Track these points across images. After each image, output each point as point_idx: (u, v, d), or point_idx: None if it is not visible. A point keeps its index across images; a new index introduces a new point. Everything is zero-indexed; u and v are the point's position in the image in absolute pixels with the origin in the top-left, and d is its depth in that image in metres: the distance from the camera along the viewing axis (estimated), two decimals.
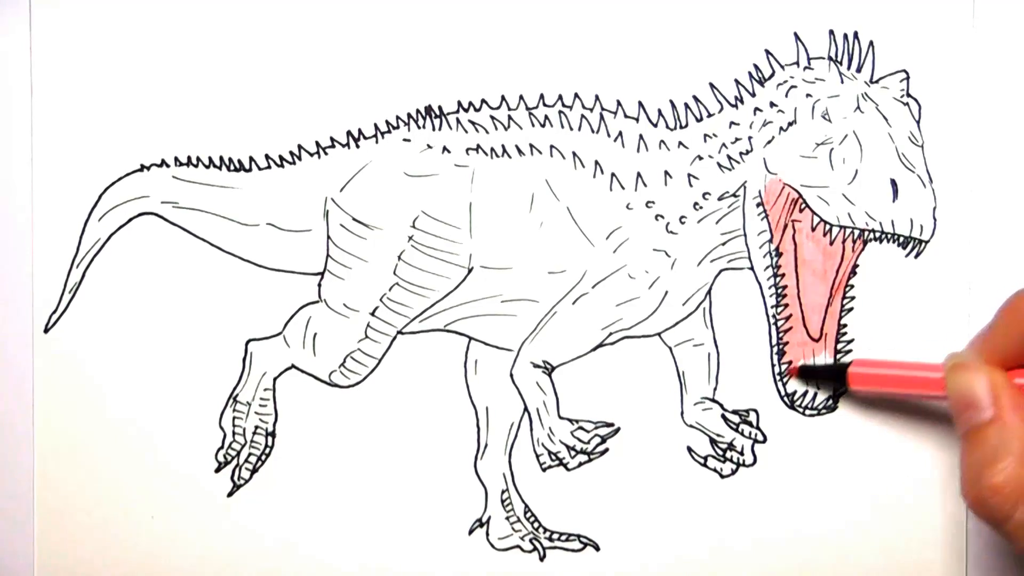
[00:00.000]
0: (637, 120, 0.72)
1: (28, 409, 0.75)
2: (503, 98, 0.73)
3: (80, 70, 0.75)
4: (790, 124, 0.71)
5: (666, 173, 0.72)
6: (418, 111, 0.74)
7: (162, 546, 0.75)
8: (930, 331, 0.71)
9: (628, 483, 0.73)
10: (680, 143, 0.72)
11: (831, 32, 0.72)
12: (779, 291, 0.72)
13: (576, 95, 0.73)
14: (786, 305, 0.72)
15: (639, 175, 0.72)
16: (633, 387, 0.73)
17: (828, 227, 0.71)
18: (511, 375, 0.74)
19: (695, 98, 0.72)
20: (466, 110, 0.73)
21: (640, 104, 0.73)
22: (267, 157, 0.74)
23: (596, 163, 0.72)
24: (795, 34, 0.72)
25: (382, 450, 0.74)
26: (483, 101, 0.73)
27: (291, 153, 0.74)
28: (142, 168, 0.75)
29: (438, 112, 0.73)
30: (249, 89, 0.74)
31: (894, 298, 0.72)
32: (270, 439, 0.74)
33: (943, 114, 0.72)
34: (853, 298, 0.72)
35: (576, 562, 0.73)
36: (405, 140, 0.74)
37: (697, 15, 0.72)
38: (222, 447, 0.75)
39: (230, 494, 0.75)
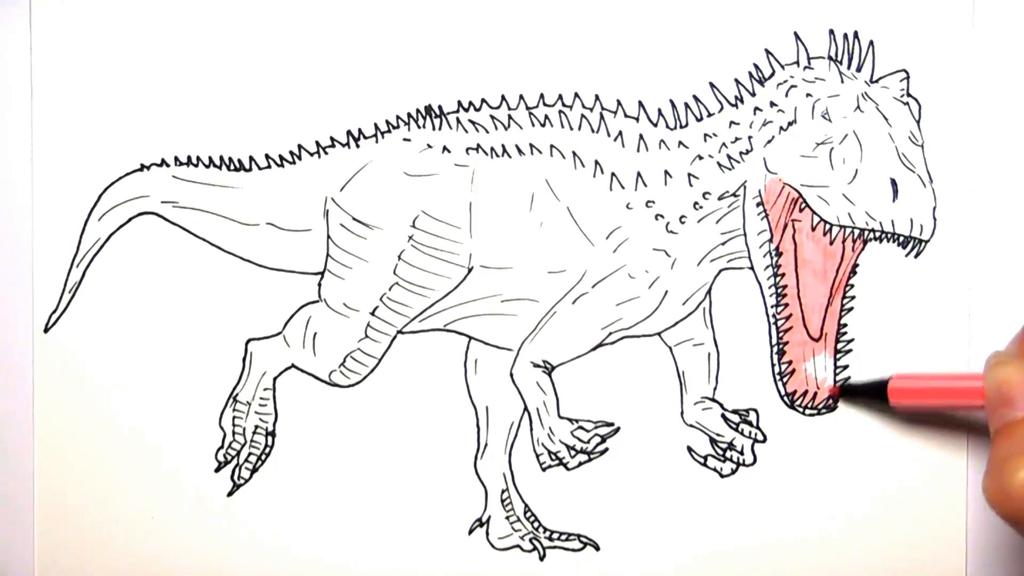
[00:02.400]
0: (637, 120, 0.73)
1: (28, 409, 0.75)
2: (503, 98, 0.73)
3: (80, 70, 0.75)
4: (790, 124, 0.71)
5: (666, 173, 0.72)
6: (418, 111, 0.74)
7: (162, 546, 0.75)
8: (930, 331, 0.71)
9: (628, 483, 0.73)
10: (680, 143, 0.72)
11: (831, 32, 0.72)
12: (779, 291, 0.72)
13: (576, 95, 0.73)
14: (786, 305, 0.72)
15: (639, 175, 0.72)
16: (633, 387, 0.73)
17: (828, 227, 0.71)
18: (511, 375, 0.74)
19: (695, 98, 0.72)
20: (466, 110, 0.73)
21: (640, 104, 0.73)
22: (267, 157, 0.74)
23: (596, 163, 0.72)
24: (795, 34, 0.72)
25: (382, 450, 0.74)
26: (483, 101, 0.73)
27: (291, 153, 0.74)
28: (142, 168, 0.75)
29: (438, 112, 0.73)
30: (249, 89, 0.74)
31: (894, 298, 0.72)
32: (270, 439, 0.74)
33: (943, 114, 0.72)
34: (853, 298, 0.72)
35: (576, 562, 0.73)
36: (405, 140, 0.74)
37: (697, 15, 0.72)
38: (222, 447, 0.75)
39: (230, 494, 0.75)
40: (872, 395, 0.71)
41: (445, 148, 0.73)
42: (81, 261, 0.75)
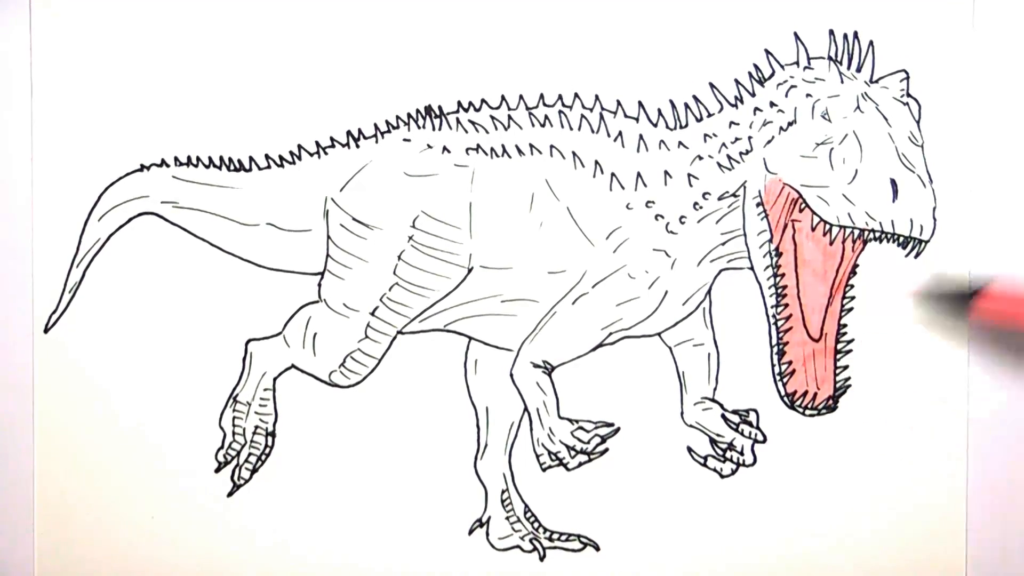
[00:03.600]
0: (637, 120, 0.73)
1: (28, 409, 0.75)
2: (503, 98, 0.73)
3: (80, 70, 0.75)
4: (790, 124, 0.71)
5: (666, 173, 0.72)
6: (418, 111, 0.74)
7: (162, 546, 0.75)
8: (930, 331, 0.71)
9: (628, 483, 0.73)
10: (680, 143, 0.72)
11: (831, 32, 0.72)
12: (779, 291, 0.72)
13: (576, 95, 0.73)
14: (786, 305, 0.72)
15: (639, 175, 0.72)
16: (633, 387, 0.73)
17: (828, 227, 0.71)
18: (511, 375, 0.74)
19: (695, 98, 0.72)
20: (466, 110, 0.73)
21: (640, 104, 0.73)
22: (267, 157, 0.74)
23: (596, 163, 0.72)
24: (795, 34, 0.72)
25: (382, 450, 0.74)
26: (483, 101, 0.73)
27: (291, 153, 0.74)
28: (142, 168, 0.75)
29: (438, 112, 0.73)
30: (249, 89, 0.74)
31: (894, 298, 0.72)
32: (270, 439, 0.74)
33: (943, 114, 0.72)
34: (853, 298, 0.72)
35: (576, 562, 0.73)
36: (405, 140, 0.74)
37: (697, 15, 0.72)
38: (222, 447, 0.75)
39: (230, 494, 0.75)
40: (955, 303, 0.70)
41: (445, 148, 0.73)
42: (81, 261, 0.75)
